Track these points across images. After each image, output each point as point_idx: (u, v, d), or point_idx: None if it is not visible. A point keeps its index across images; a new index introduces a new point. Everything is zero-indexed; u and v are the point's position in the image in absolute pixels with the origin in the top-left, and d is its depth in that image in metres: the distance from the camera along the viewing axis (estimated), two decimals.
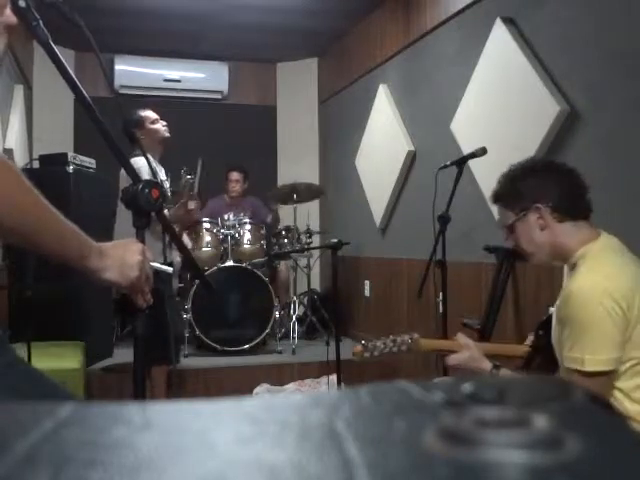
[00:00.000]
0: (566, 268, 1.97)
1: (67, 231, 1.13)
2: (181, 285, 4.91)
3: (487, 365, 1.97)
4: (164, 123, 3.87)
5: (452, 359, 2.01)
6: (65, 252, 1.14)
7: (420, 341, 2.05)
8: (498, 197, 1.96)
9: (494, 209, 3.62)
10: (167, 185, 3.84)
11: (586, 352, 1.69)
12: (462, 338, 2.05)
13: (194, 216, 3.91)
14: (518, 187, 1.88)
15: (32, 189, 1.06)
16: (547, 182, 1.86)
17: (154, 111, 3.94)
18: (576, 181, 1.88)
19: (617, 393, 1.73)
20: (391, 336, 2.05)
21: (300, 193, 5.30)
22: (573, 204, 1.86)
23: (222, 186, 5.75)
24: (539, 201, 1.84)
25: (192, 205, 3.87)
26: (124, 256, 1.23)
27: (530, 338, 2.16)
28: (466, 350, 2.00)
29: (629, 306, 1.68)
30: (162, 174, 3.90)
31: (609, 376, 1.70)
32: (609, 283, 1.71)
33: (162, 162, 3.93)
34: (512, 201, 1.90)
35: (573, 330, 1.72)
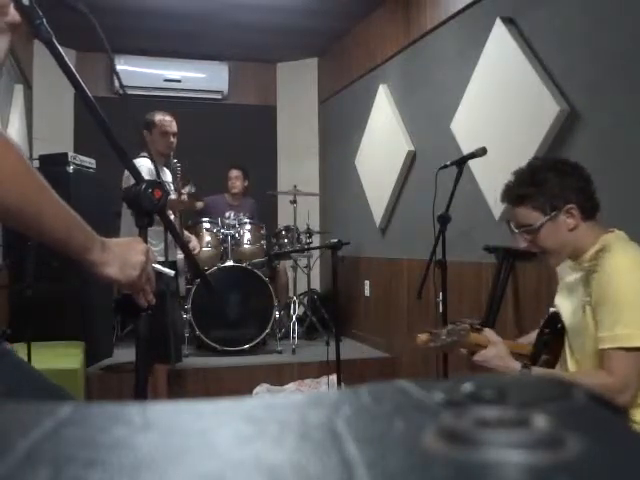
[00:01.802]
0: (559, 268, 1.97)
1: (71, 219, 1.11)
2: (189, 287, 4.90)
3: (515, 364, 1.88)
4: (172, 140, 3.81)
5: (478, 356, 1.91)
6: (69, 241, 1.11)
7: (470, 333, 1.95)
8: (522, 197, 1.88)
9: (494, 209, 3.64)
10: (172, 187, 3.84)
11: (632, 327, 1.68)
12: (490, 333, 1.96)
13: (181, 204, 3.84)
14: (548, 187, 1.85)
15: (36, 172, 1.05)
16: (573, 181, 1.86)
17: (172, 120, 3.85)
18: (590, 179, 1.89)
19: None
20: (450, 325, 1.97)
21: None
22: (595, 202, 1.88)
23: (223, 185, 5.76)
24: (571, 201, 1.84)
25: (185, 190, 3.86)
26: (127, 254, 1.21)
27: (532, 335, 2.15)
28: (492, 347, 1.91)
29: None
30: (168, 177, 3.90)
31: None
32: None
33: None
34: (542, 201, 1.85)
35: (613, 307, 1.72)
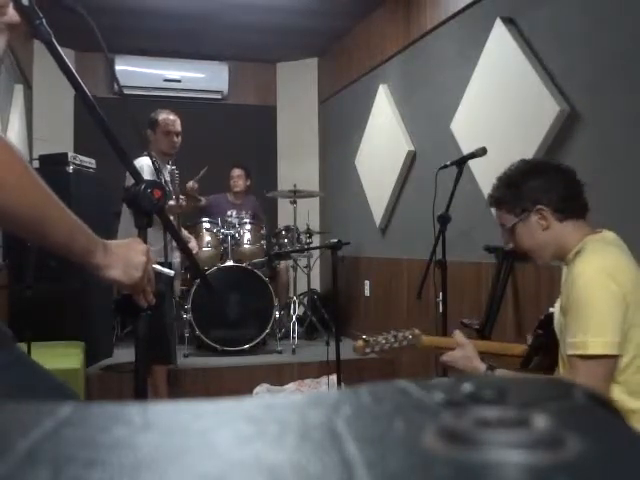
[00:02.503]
0: (564, 269, 1.97)
1: (74, 224, 1.11)
2: (183, 288, 4.91)
3: (481, 365, 1.96)
4: (175, 140, 3.80)
5: (445, 356, 2.02)
6: (72, 245, 1.11)
7: (421, 337, 2.06)
8: (497, 201, 1.95)
9: (494, 209, 3.63)
10: (170, 188, 3.84)
11: (589, 335, 1.68)
12: (458, 336, 2.05)
13: (184, 208, 3.86)
14: (518, 189, 1.88)
15: (39, 177, 1.05)
16: (547, 182, 1.87)
17: (176, 119, 3.84)
18: (574, 180, 1.90)
19: (617, 388, 1.73)
20: (392, 331, 2.06)
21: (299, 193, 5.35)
22: (573, 203, 1.88)
23: (224, 185, 5.78)
24: (540, 202, 1.86)
25: (190, 187, 3.87)
26: (128, 255, 1.22)
27: (529, 338, 2.16)
28: (460, 348, 2.00)
29: (627, 292, 1.70)
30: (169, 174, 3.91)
31: (612, 362, 1.69)
32: (610, 266, 1.73)
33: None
34: (513, 203, 1.89)
35: (576, 314, 1.71)
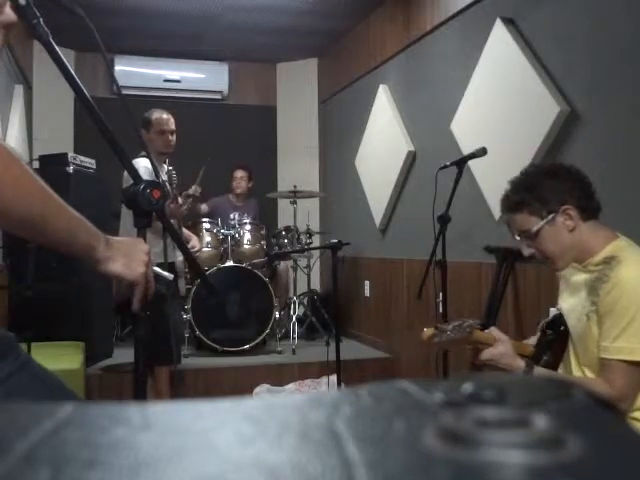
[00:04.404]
0: (566, 272, 1.95)
1: (74, 219, 1.12)
2: (188, 287, 4.90)
3: (520, 363, 1.88)
4: (171, 138, 3.76)
5: (485, 353, 1.90)
6: (73, 241, 1.12)
7: (475, 330, 1.93)
8: (517, 204, 1.89)
9: (494, 209, 3.63)
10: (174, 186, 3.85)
11: (635, 341, 1.69)
12: (496, 332, 1.95)
13: (182, 211, 3.85)
14: (540, 191, 1.85)
15: (38, 179, 1.06)
16: (568, 183, 1.86)
17: (170, 117, 3.80)
18: (588, 180, 1.89)
19: None
20: (456, 321, 1.95)
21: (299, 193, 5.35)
22: (594, 202, 1.88)
23: (225, 186, 5.78)
24: (567, 202, 1.84)
25: (193, 191, 3.87)
26: (131, 251, 1.22)
27: (532, 339, 2.15)
28: (500, 344, 1.91)
29: None
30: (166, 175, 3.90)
31: None
32: None
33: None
34: (538, 206, 1.85)
35: (620, 319, 1.72)
